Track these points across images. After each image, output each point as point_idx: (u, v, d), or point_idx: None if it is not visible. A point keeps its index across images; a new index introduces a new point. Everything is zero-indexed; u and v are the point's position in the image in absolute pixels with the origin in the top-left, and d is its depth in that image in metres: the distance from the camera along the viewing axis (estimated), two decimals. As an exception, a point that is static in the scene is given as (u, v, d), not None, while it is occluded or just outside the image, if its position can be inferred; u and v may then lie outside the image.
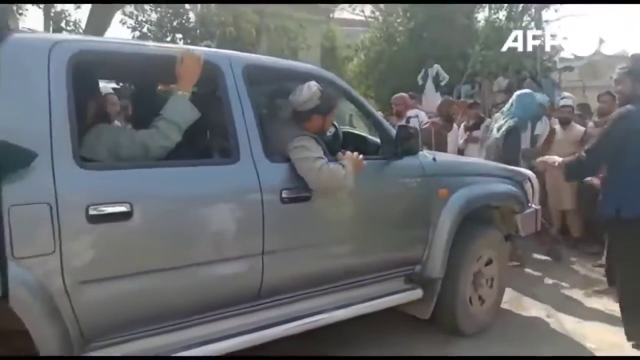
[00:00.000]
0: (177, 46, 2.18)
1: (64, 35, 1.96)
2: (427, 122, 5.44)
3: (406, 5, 12.08)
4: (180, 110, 2.06)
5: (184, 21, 13.75)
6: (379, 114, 2.86)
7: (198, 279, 2.08)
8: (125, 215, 1.86)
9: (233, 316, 2.25)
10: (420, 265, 2.89)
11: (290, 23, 13.14)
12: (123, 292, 1.90)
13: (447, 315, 3.02)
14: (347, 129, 3.58)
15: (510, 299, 3.74)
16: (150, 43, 2.36)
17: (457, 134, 5.56)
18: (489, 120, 4.96)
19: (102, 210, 1.81)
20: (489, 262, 3.22)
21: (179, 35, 13.76)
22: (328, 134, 2.78)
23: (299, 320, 2.41)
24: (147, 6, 13.42)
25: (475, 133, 5.17)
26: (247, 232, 2.17)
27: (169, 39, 13.62)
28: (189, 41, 13.49)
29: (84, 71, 1.92)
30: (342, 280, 2.59)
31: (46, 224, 1.71)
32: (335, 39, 16.19)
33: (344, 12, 17.06)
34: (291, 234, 2.31)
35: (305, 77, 2.55)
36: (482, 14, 12.50)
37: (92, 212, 1.79)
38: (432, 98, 8.75)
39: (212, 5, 13.31)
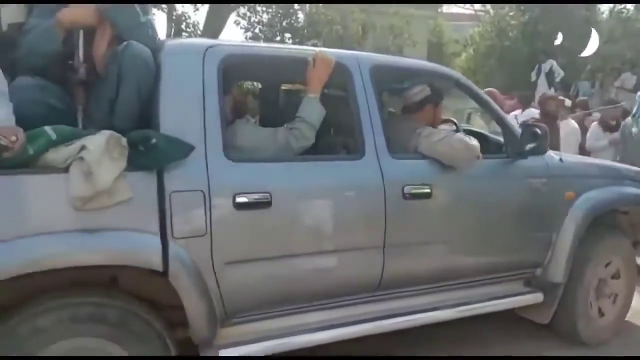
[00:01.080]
0: (310, 49, 2.31)
1: (215, 41, 2.16)
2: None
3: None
4: (314, 112, 2.20)
5: (292, 21, 14.26)
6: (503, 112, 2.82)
7: (324, 266, 2.21)
8: (266, 204, 2.03)
9: (353, 305, 2.36)
10: (541, 268, 2.81)
11: (397, 20, 13.06)
12: (260, 274, 2.08)
13: (567, 321, 2.91)
14: (467, 126, 3.54)
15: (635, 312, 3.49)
16: (286, 46, 2.53)
17: (574, 133, 5.24)
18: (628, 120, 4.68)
19: (246, 199, 2.00)
20: (615, 276, 3.05)
21: (287, 35, 14.30)
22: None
23: (416, 315, 2.46)
24: (258, 7, 14.10)
25: (615, 134, 4.91)
26: (370, 225, 2.27)
27: (278, 38, 14.19)
28: (297, 40, 13.97)
29: (231, 72, 2.12)
30: (460, 278, 2.60)
31: (200, 209, 1.93)
32: (442, 35, 15.85)
33: (452, 6, 16.65)
34: (412, 229, 2.37)
35: (429, 75, 2.59)
36: (606, 4, 11.59)
37: (238, 199, 1.98)
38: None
39: (321, 5, 13.69)
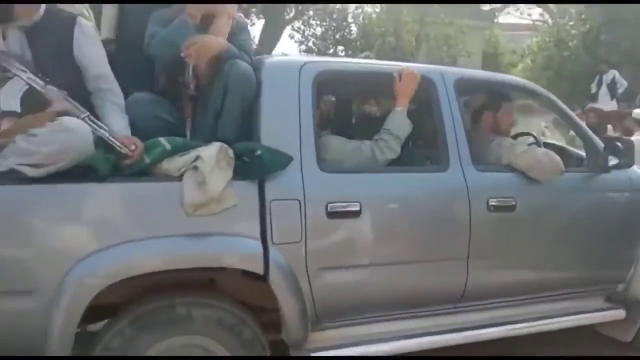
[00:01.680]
0: (397, 64, 2.39)
1: (309, 57, 2.29)
2: None
3: (581, 7, 11.26)
4: (401, 125, 2.28)
5: (345, 34, 14.45)
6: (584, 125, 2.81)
7: (410, 275, 2.26)
8: (356, 213, 2.11)
9: (436, 315, 2.40)
10: (623, 284, 2.76)
11: (451, 30, 13.01)
12: (349, 280, 2.16)
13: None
14: (545, 139, 3.53)
15: None
16: (374, 62, 2.62)
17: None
18: None
19: (338, 208, 2.09)
20: None
21: (340, 47, 14.50)
22: (528, 143, 2.82)
23: (497, 327, 2.47)
24: (312, 21, 14.37)
25: None
26: (455, 237, 2.31)
27: (331, 51, 14.41)
28: (350, 52, 14.13)
29: (324, 87, 2.23)
30: (541, 291, 2.59)
31: (296, 216, 2.03)
32: (498, 45, 15.64)
33: (509, 16, 16.43)
34: (495, 242, 2.39)
35: (507, 87, 2.61)
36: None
37: (330, 208, 2.07)
38: (607, 107, 8.04)
39: (374, 16, 13.82)
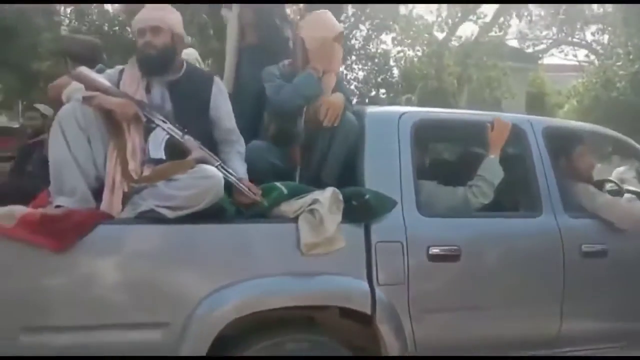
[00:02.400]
0: (488, 113, 2.51)
1: (407, 108, 2.43)
2: None
3: (629, 47, 11.24)
4: (495, 171, 2.38)
5: (387, 77, 14.73)
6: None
7: (506, 318, 2.30)
8: (455, 257, 2.19)
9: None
10: None
11: (494, 72, 13.12)
12: (448, 323, 2.21)
13: None
14: (627, 187, 3.54)
15: None
16: (467, 112, 2.74)
17: None
18: None
19: (439, 251, 2.17)
20: None
21: (382, 90, 14.76)
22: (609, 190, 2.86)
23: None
24: (355, 65, 14.72)
25: None
26: (550, 282, 2.35)
27: (373, 93, 14.68)
28: (391, 95, 14.38)
29: (421, 135, 2.36)
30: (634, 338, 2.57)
31: (399, 259, 2.12)
32: (543, 86, 15.65)
33: (553, 57, 16.49)
34: (589, 287, 2.41)
35: (592, 135, 2.68)
36: None
37: (431, 251, 2.16)
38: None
39: (415, 59, 14.09)
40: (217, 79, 2.21)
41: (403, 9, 13.82)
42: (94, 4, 14.60)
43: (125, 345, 1.82)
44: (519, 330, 2.33)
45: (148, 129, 1.96)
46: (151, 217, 1.88)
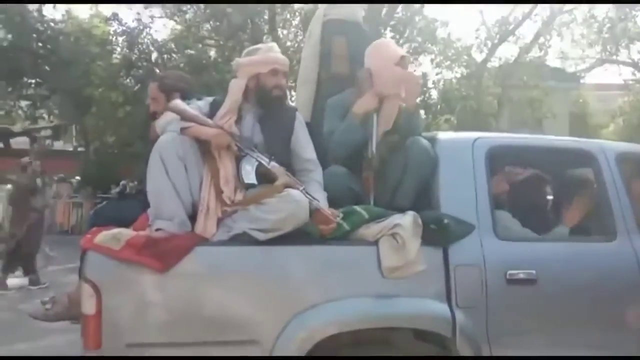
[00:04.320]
0: (562, 139, 2.54)
1: (480, 134, 2.48)
2: None
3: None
4: None
5: (426, 98, 14.76)
6: None
7: (584, 344, 2.29)
8: (532, 281, 2.21)
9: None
10: None
11: (536, 92, 12.99)
12: (525, 346, 2.22)
13: None
14: None
15: None
16: (541, 137, 2.76)
17: None
18: None
19: (516, 275, 2.19)
20: None
21: (421, 112, 14.77)
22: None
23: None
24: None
25: None
26: (629, 305, 2.32)
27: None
28: (429, 116, 14.38)
29: (494, 160, 2.41)
30: None
31: (478, 282, 2.16)
32: (586, 105, 15.36)
33: (597, 76, 16.18)
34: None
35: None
36: None
37: (509, 275, 2.19)
38: None
39: (454, 80, 14.09)
40: (298, 114, 2.38)
41: (441, 31, 13.95)
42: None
43: (221, 362, 1.92)
44: (595, 354, 2.31)
45: (238, 157, 2.09)
46: (244, 240, 1.99)
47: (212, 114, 2.17)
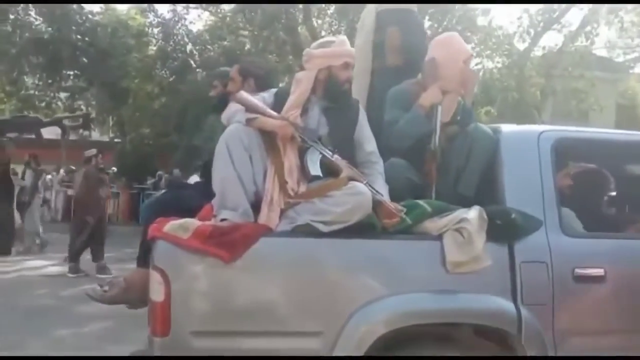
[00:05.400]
0: (630, 133, 2.44)
1: (547, 126, 2.41)
2: None
3: None
4: None
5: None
6: None
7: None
8: (600, 278, 2.14)
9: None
10: None
11: (581, 83, 12.57)
12: (591, 347, 2.14)
13: None
14: None
15: None
16: (611, 131, 2.67)
17: None
18: None
19: (584, 272, 2.13)
20: None
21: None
22: None
23: None
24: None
25: None
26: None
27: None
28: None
29: (561, 154, 2.33)
30: None
31: (544, 279, 2.10)
32: (635, 97, 14.79)
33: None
34: None
35: None
36: None
37: (576, 272, 2.12)
38: None
39: (495, 70, 13.77)
40: (361, 107, 2.37)
41: (481, 19, 13.63)
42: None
43: (285, 352, 1.92)
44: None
45: (301, 149, 2.08)
46: (307, 231, 1.98)
47: (276, 104, 2.16)
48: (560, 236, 2.17)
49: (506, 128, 2.40)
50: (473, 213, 2.05)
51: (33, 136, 10.79)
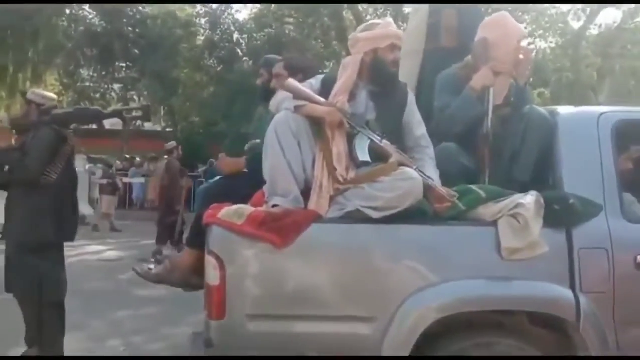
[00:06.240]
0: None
1: (606, 108, 2.30)
2: None
3: None
4: None
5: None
6: None
7: None
8: (664, 267, 2.04)
9: None
10: None
11: (641, 63, 11.92)
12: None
13: None
14: None
15: None
16: None
17: None
18: None
19: (647, 260, 2.03)
20: None
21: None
22: None
23: None
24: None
25: None
26: None
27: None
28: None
29: (622, 137, 2.22)
30: None
31: (604, 266, 2.02)
32: None
33: None
34: None
35: None
36: None
37: (639, 260, 2.03)
38: None
39: (548, 51, 13.25)
40: (410, 91, 2.33)
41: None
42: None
43: (336, 337, 1.95)
44: None
45: (350, 136, 2.08)
46: (357, 217, 1.99)
47: (323, 91, 2.16)
48: (622, 222, 2.08)
49: (564, 110, 2.32)
50: (529, 198, 1.99)
51: (94, 127, 11.29)
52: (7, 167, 3.04)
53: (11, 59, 15.50)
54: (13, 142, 3.06)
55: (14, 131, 3.07)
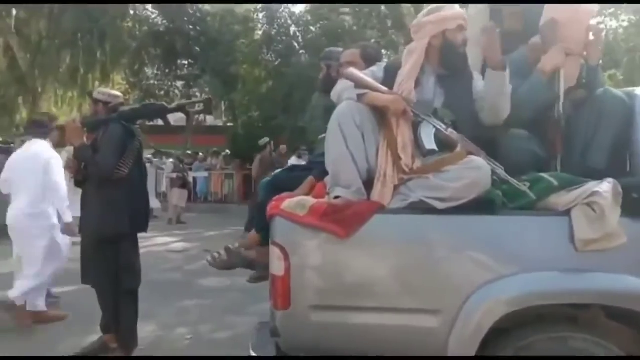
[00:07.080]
0: None
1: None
2: None
3: None
4: None
5: (585, 52, 13.25)
6: None
7: None
8: None
9: None
10: None
11: None
12: None
13: None
14: None
15: None
16: None
17: None
18: None
19: None
20: None
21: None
22: None
23: None
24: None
25: None
26: None
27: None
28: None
29: None
30: None
31: None
32: None
33: None
34: None
35: None
36: None
37: None
38: None
39: (620, 30, 12.43)
40: (476, 73, 2.24)
41: (604, -26, 12.26)
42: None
43: (402, 329, 1.92)
44: None
45: (414, 124, 2.03)
46: (421, 208, 1.95)
47: (386, 78, 2.12)
48: None
49: (641, 91, 2.16)
50: (606, 186, 1.87)
51: (161, 123, 11.82)
52: (82, 165, 3.22)
53: (82, 61, 16.36)
54: (85, 140, 3.23)
55: (86, 129, 3.23)
